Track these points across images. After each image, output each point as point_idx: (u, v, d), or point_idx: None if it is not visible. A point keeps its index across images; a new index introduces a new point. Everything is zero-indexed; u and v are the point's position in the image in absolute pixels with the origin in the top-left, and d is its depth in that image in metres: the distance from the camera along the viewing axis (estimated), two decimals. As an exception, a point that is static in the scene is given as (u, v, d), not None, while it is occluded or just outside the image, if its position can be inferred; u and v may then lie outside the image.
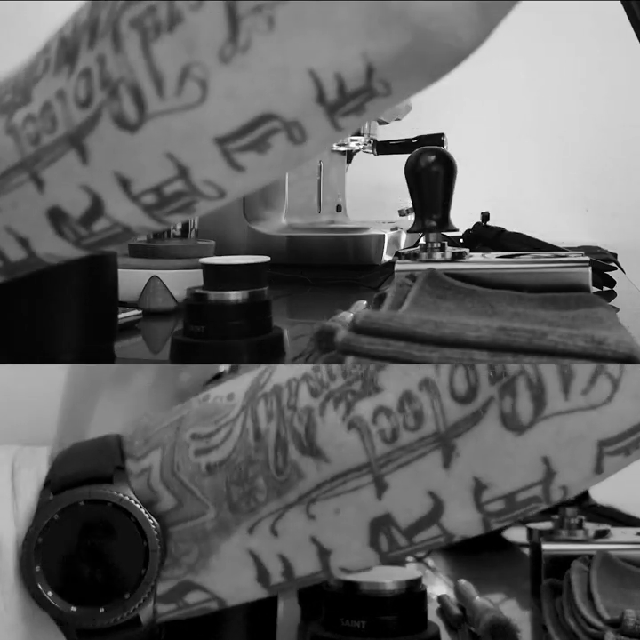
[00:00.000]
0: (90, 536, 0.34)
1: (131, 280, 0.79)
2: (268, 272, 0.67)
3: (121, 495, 0.34)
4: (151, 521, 0.34)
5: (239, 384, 0.36)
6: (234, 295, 0.61)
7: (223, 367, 0.71)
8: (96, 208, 0.36)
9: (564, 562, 0.72)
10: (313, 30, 0.31)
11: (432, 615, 0.73)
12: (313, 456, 0.33)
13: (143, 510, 0.34)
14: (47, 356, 0.54)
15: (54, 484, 0.34)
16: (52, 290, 0.53)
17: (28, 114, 0.36)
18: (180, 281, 0.79)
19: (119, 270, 0.61)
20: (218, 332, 0.61)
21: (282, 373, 0.35)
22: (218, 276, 0.63)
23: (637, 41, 0.56)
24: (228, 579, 0.35)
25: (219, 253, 0.81)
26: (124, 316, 0.72)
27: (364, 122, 0.35)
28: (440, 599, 0.78)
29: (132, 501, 0.34)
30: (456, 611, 0.74)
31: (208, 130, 0.33)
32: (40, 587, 0.33)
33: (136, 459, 0.35)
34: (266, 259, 0.66)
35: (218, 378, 0.62)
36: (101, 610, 0.33)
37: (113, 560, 0.34)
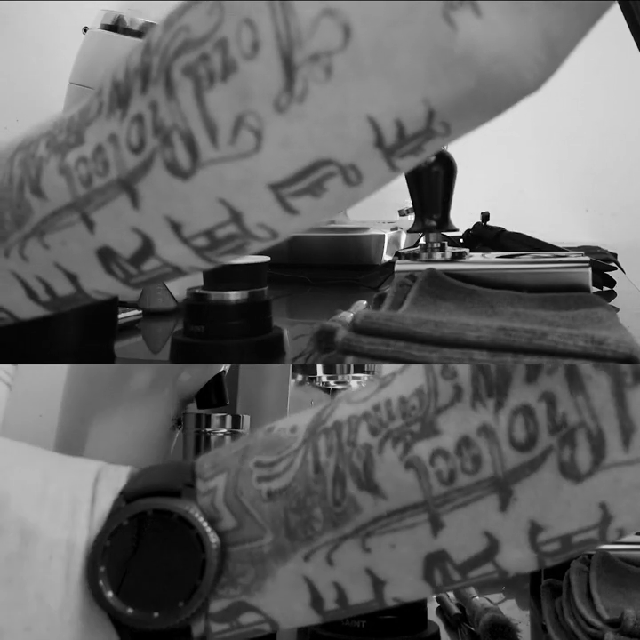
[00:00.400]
0: (153, 544, 0.35)
1: (131, 280, 0.79)
2: (268, 272, 0.67)
3: (186, 508, 0.35)
4: (211, 535, 0.35)
5: (302, 418, 0.37)
6: (234, 295, 0.61)
7: (223, 367, 0.71)
8: (146, 249, 0.36)
9: (563, 562, 0.72)
10: (372, 78, 0.31)
11: (432, 614, 0.73)
12: (370, 491, 0.34)
13: (205, 524, 0.35)
14: (47, 356, 0.54)
15: (127, 494, 0.36)
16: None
17: (81, 155, 0.36)
18: (180, 281, 0.79)
19: (119, 270, 0.61)
20: (218, 332, 0.61)
21: (343, 410, 0.36)
22: (218, 276, 0.63)
23: (635, 41, 0.56)
24: (283, 602, 0.35)
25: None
26: (124, 316, 0.72)
27: (421, 160, 0.35)
28: (439, 598, 0.78)
29: (196, 515, 0.35)
30: (455, 610, 0.74)
31: (262, 177, 0.33)
32: (102, 586, 0.34)
33: (204, 479, 0.36)
34: (266, 259, 0.67)
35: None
36: (155, 614, 0.34)
37: (172, 569, 0.35)
